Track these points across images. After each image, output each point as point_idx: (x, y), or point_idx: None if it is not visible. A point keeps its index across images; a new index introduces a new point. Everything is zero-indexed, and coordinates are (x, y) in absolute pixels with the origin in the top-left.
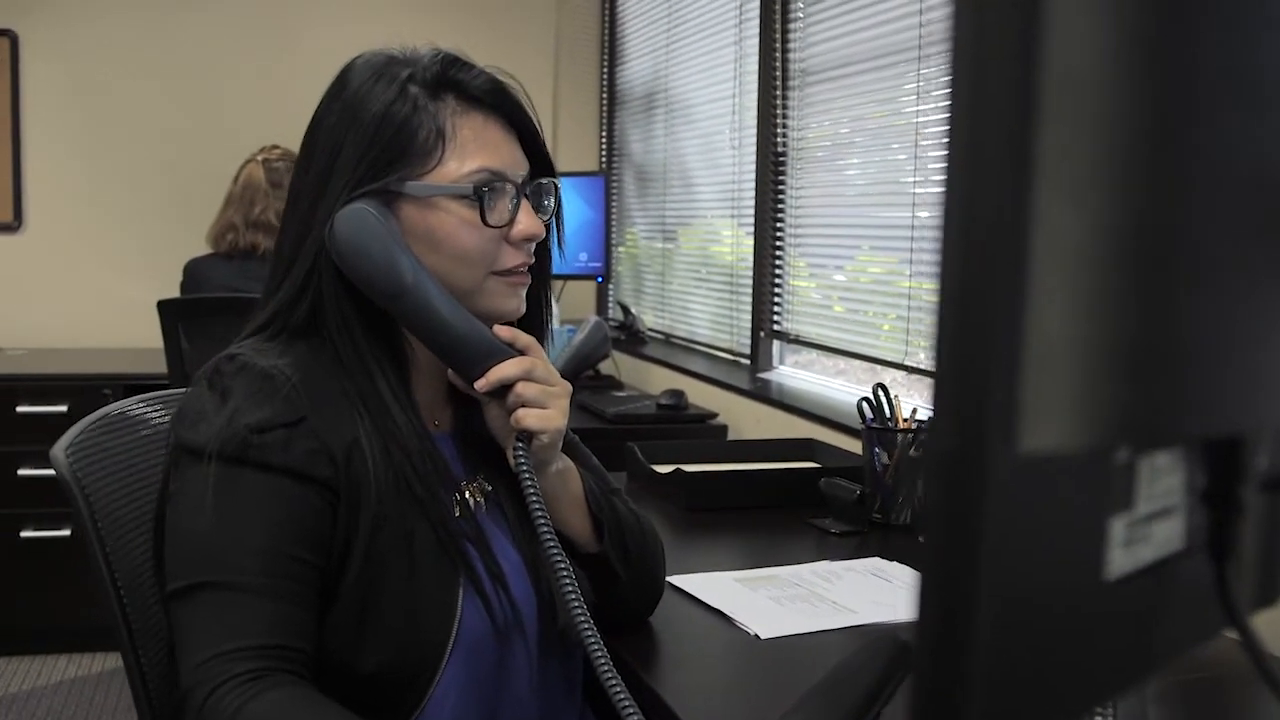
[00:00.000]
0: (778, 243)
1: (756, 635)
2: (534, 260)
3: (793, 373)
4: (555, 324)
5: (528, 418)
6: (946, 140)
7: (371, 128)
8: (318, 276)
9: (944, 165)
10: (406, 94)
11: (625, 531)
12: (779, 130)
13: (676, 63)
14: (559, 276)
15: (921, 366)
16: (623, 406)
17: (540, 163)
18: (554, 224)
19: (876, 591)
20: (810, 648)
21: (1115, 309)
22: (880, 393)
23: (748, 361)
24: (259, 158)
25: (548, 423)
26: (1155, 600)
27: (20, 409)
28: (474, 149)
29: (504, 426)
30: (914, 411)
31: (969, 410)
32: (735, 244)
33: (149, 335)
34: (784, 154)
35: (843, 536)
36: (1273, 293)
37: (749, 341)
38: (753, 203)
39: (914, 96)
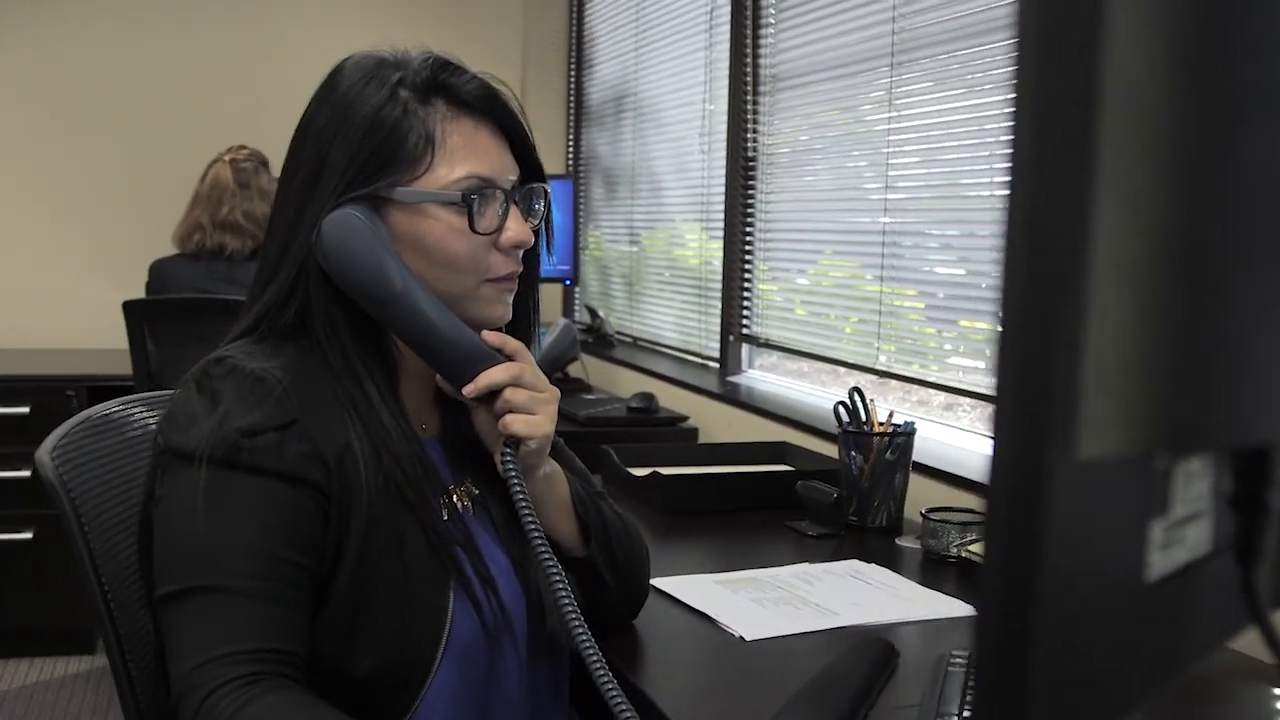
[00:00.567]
0: (747, 247)
1: (741, 637)
2: (523, 266)
3: (762, 376)
4: None
5: (516, 423)
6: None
7: (360, 131)
8: (305, 280)
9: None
10: (396, 98)
11: (612, 535)
12: (749, 135)
13: (645, 67)
14: None
15: (892, 370)
16: (593, 409)
17: (530, 167)
18: (543, 229)
19: (857, 593)
20: (795, 649)
21: (1163, 321)
22: (856, 397)
23: (717, 365)
24: (226, 157)
25: (536, 428)
26: (1186, 601)
27: None
28: (463, 155)
29: (492, 431)
30: (890, 415)
31: (1032, 419)
32: (703, 248)
33: (113, 336)
34: (754, 159)
35: (819, 539)
36: None
37: (718, 345)
38: (722, 207)
39: (885, 103)
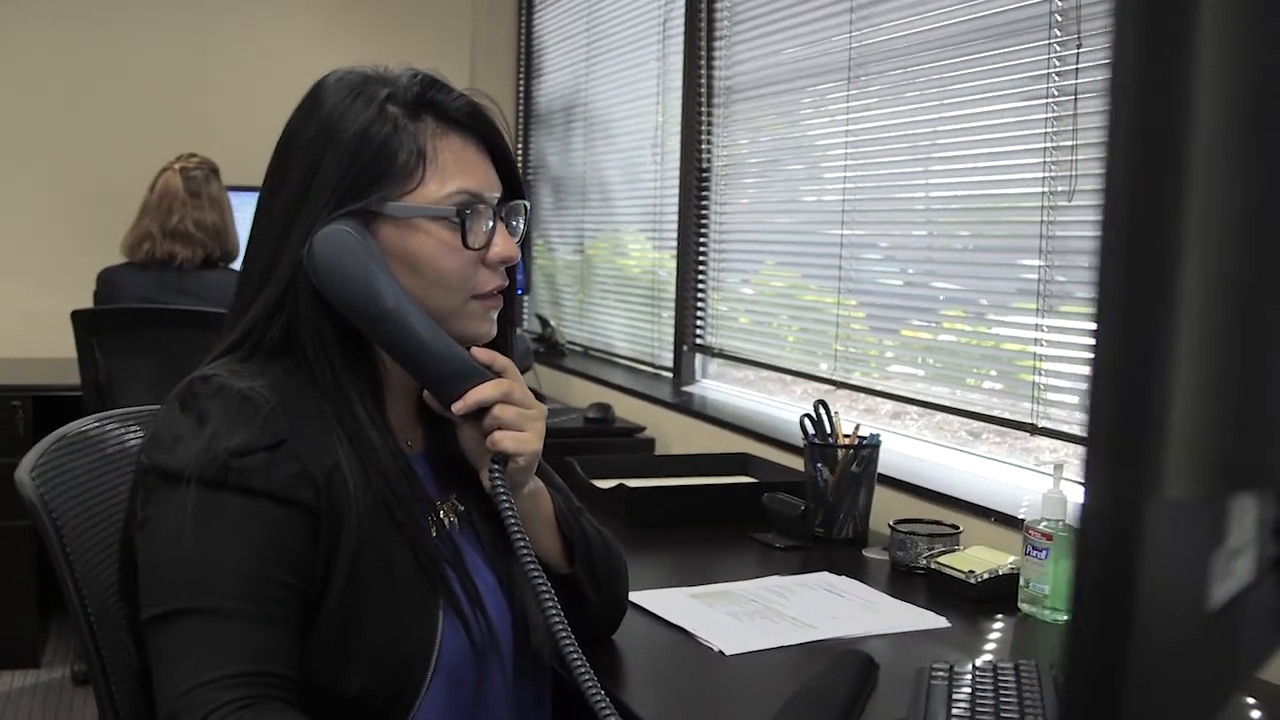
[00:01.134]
0: (701, 257)
1: (721, 652)
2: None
3: (716, 386)
4: None
5: (505, 440)
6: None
7: (351, 148)
8: (294, 297)
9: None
10: (386, 114)
11: (594, 551)
12: (703, 146)
13: (597, 78)
14: None
15: (852, 381)
16: (550, 420)
17: (512, 184)
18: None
19: (831, 606)
20: (775, 663)
21: (1229, 377)
22: (820, 409)
23: (670, 374)
24: (176, 166)
25: (525, 445)
26: (1234, 628)
27: None
28: (454, 170)
29: (478, 448)
30: (856, 428)
31: (1126, 467)
32: (657, 258)
33: (59, 346)
34: (708, 170)
35: (787, 551)
36: None
37: (672, 354)
38: (675, 218)
39: (841, 115)
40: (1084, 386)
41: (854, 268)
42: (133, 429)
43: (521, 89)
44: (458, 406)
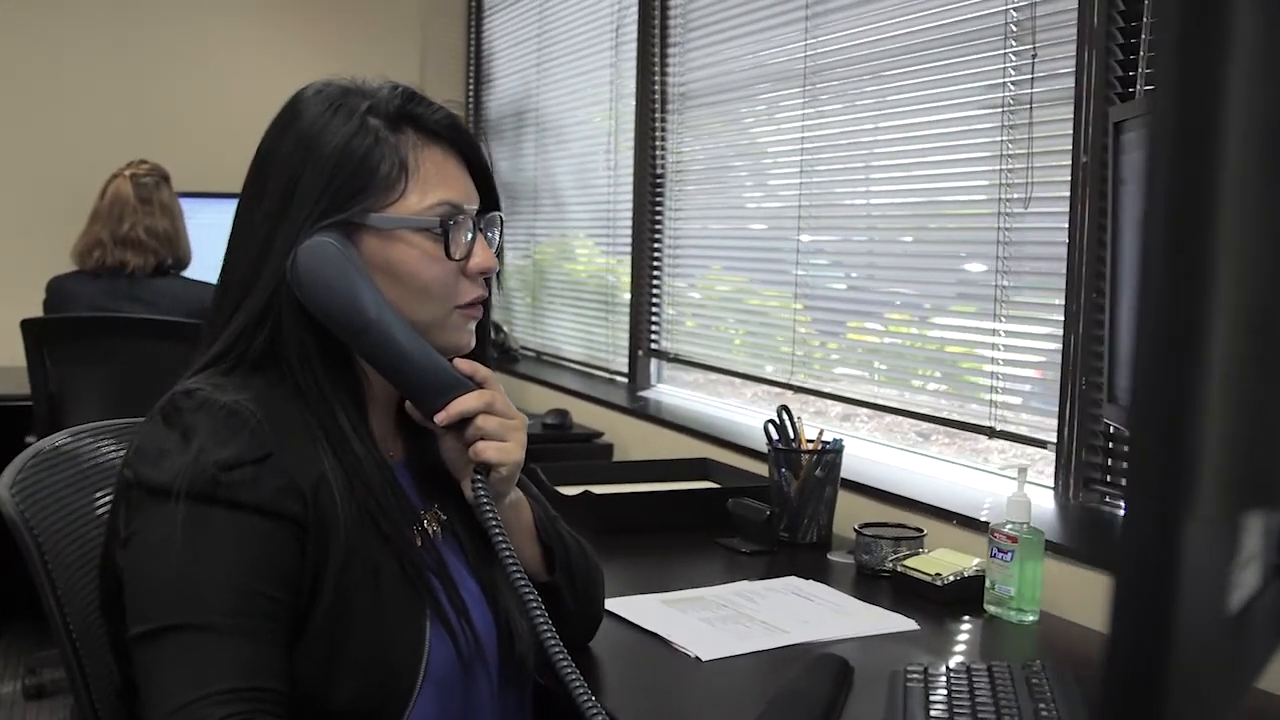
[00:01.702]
0: (655, 262)
1: (697, 658)
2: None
3: (673, 391)
4: None
5: (488, 450)
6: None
7: (333, 160)
8: (277, 309)
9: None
10: (367, 126)
11: (573, 560)
12: (657, 152)
13: (548, 83)
14: None
15: (806, 385)
16: None
17: (488, 196)
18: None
19: (802, 611)
20: (751, 668)
21: (1248, 398)
22: (784, 415)
23: (625, 380)
24: (126, 173)
25: (507, 455)
26: (1246, 634)
27: None
28: (435, 183)
29: (460, 458)
30: (820, 433)
31: (1166, 488)
32: (610, 263)
33: (7, 355)
34: (662, 175)
35: (752, 556)
36: None
37: (626, 359)
38: (629, 222)
39: (799, 120)
40: (1039, 390)
41: (809, 272)
42: (106, 443)
43: (471, 95)
44: (440, 417)
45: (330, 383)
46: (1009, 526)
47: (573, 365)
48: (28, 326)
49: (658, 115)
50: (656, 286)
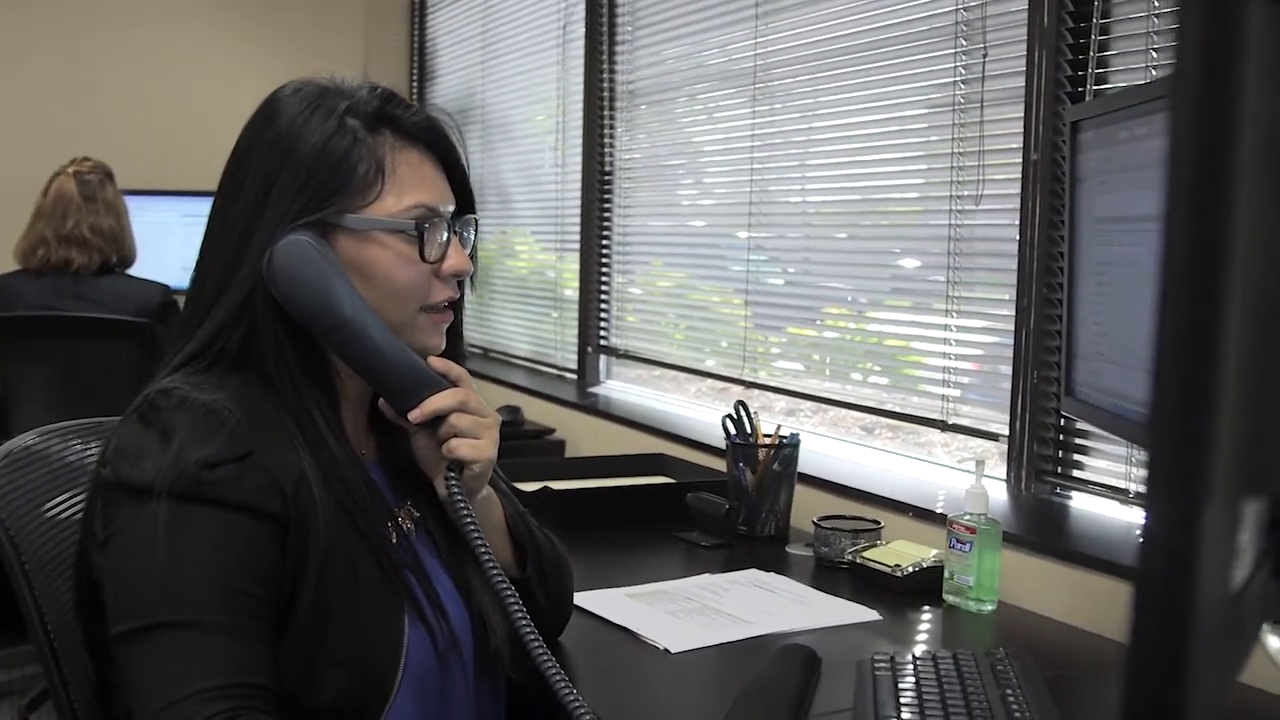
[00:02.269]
0: (604, 259)
1: (666, 650)
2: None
3: (623, 387)
4: None
5: (461, 448)
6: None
7: (310, 159)
8: (253, 307)
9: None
10: (345, 127)
11: (544, 556)
12: (605, 149)
13: (493, 80)
14: None
15: (760, 381)
16: None
17: (464, 198)
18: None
19: (765, 602)
20: (719, 660)
21: (1253, 390)
22: (741, 410)
23: (574, 376)
24: (70, 170)
25: (481, 453)
26: (1241, 614)
27: None
28: (412, 185)
29: (432, 456)
30: (778, 428)
31: (1188, 480)
32: (558, 260)
33: None
34: (610, 172)
35: (712, 549)
36: None
37: (575, 356)
38: (578, 219)
39: (749, 118)
40: (990, 384)
41: (757, 269)
42: (74, 443)
43: (415, 92)
44: (414, 415)
45: (305, 381)
46: (967, 518)
47: (520, 362)
48: None
49: (606, 113)
50: (605, 283)
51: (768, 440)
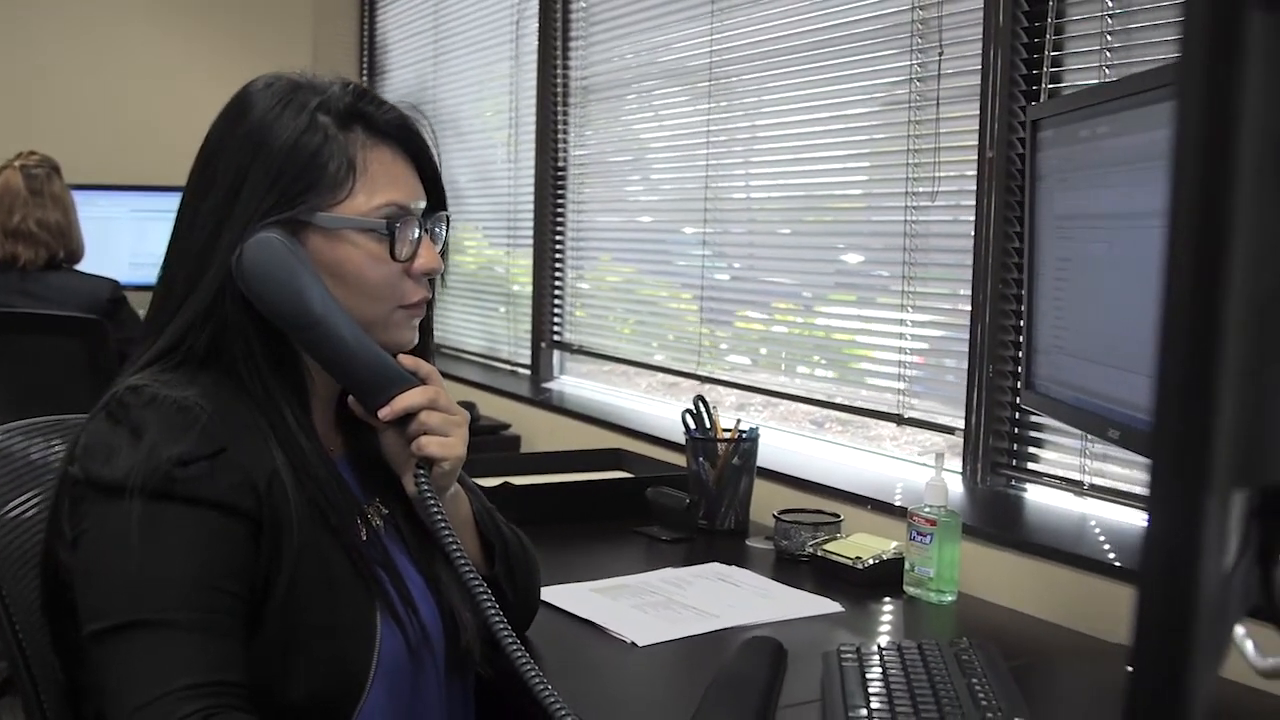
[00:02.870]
0: (558, 254)
1: (633, 643)
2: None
3: (577, 383)
4: None
5: (431, 445)
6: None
7: (281, 156)
8: (222, 305)
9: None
10: (317, 124)
11: (511, 551)
12: (559, 145)
13: (445, 76)
14: None
15: (715, 376)
16: None
17: (435, 196)
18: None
19: (728, 595)
20: (686, 652)
21: (1249, 387)
22: (701, 405)
23: (527, 371)
24: (16, 164)
25: (450, 450)
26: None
27: None
28: (383, 183)
29: (401, 453)
30: (737, 422)
31: (1191, 474)
32: (511, 255)
33: None
34: (564, 168)
35: (673, 543)
36: None
37: (528, 352)
38: (531, 215)
39: (705, 114)
40: (947, 378)
41: (708, 264)
42: (36, 442)
43: None
44: (384, 412)
45: (276, 379)
46: (927, 510)
47: (472, 358)
48: None
49: (560, 108)
50: (559, 279)
51: (727, 435)
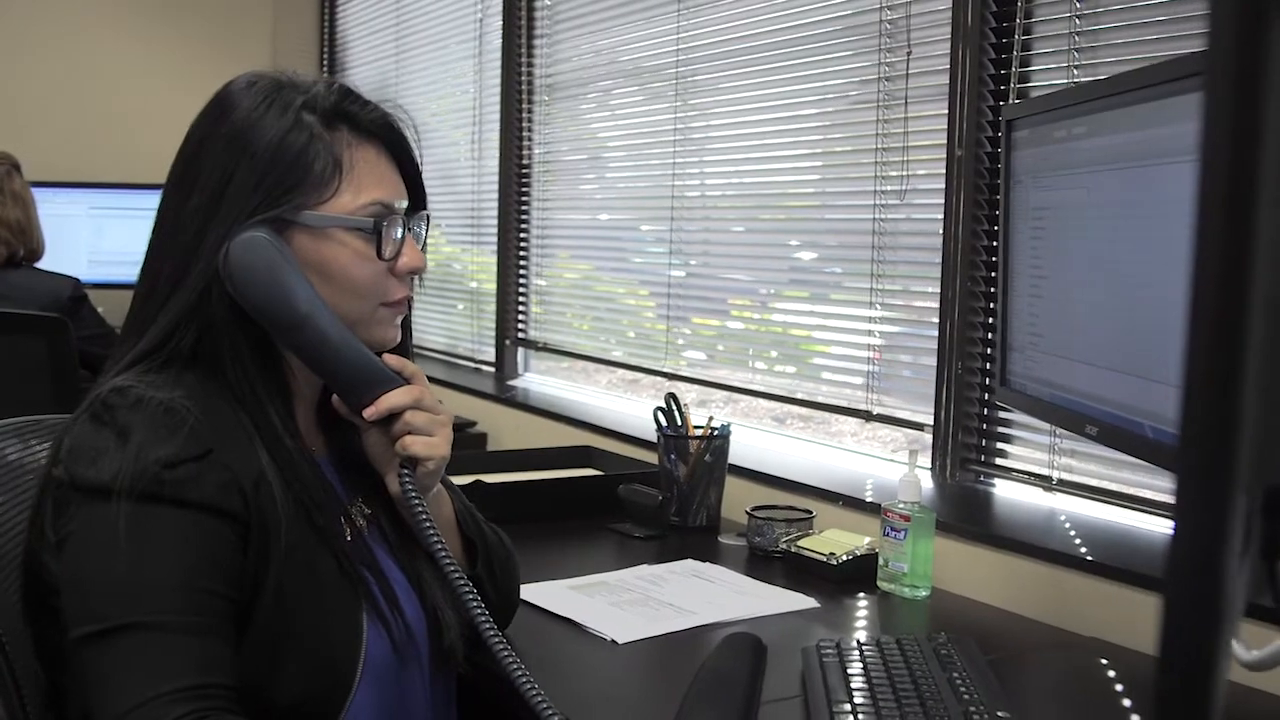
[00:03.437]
0: (522, 252)
1: (613, 640)
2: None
3: (542, 380)
4: None
5: (415, 445)
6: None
7: (267, 155)
8: (208, 305)
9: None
10: (302, 122)
11: (492, 552)
12: (524, 143)
13: (407, 74)
14: None
15: (681, 373)
16: None
17: (417, 194)
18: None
19: (704, 592)
20: (666, 649)
21: (1265, 381)
22: (672, 402)
23: (491, 369)
24: None
25: (435, 450)
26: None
27: None
28: (369, 182)
29: (385, 453)
30: (709, 420)
31: (1219, 474)
32: (475, 253)
33: None
34: (528, 165)
35: (645, 540)
36: None
37: (493, 349)
38: (495, 213)
39: (671, 111)
40: (913, 374)
41: (679, 262)
42: (11, 443)
43: None
44: (369, 412)
45: (261, 379)
46: (901, 505)
47: (435, 355)
48: None
49: (524, 106)
50: (523, 276)
51: (699, 432)
